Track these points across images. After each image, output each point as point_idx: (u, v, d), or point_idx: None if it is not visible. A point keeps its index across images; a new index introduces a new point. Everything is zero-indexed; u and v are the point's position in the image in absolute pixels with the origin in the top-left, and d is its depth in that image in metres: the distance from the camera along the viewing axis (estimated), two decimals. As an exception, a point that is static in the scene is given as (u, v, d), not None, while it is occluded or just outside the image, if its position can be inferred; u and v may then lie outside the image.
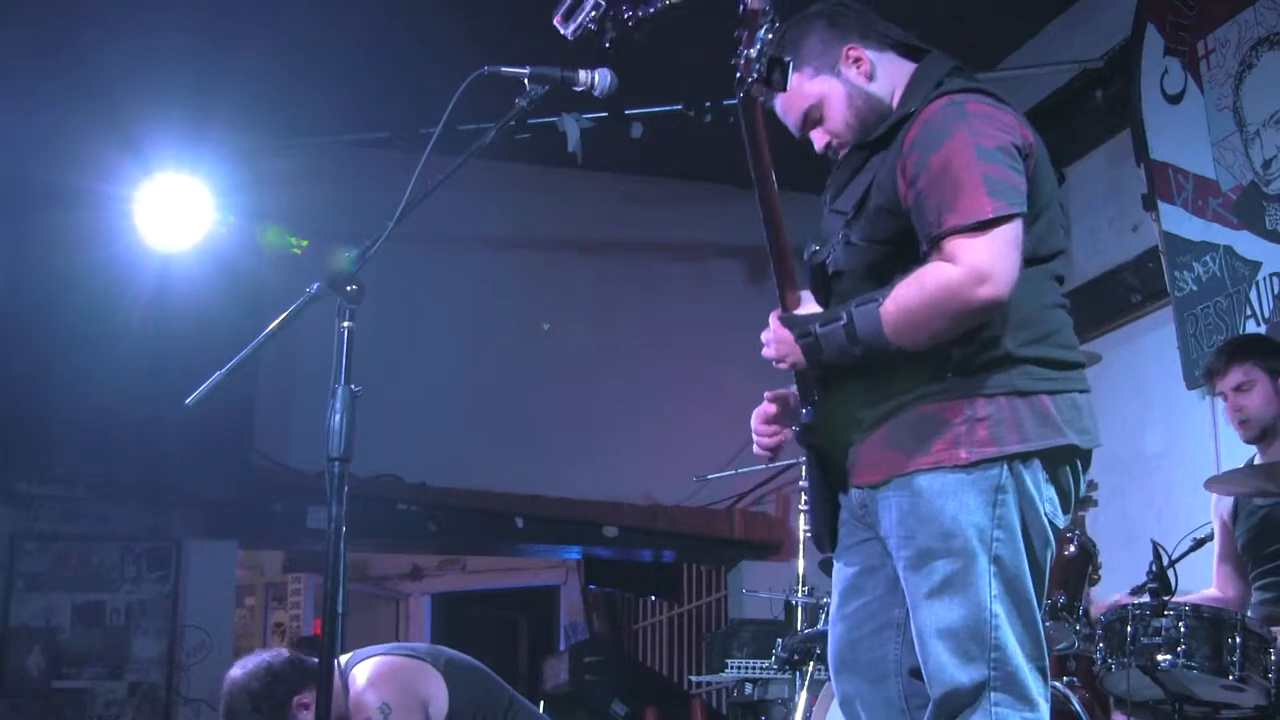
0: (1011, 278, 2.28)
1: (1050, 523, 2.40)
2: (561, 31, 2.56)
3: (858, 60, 2.53)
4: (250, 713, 3.49)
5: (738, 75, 2.36)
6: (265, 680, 3.50)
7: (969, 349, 2.36)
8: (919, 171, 2.34)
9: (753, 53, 2.33)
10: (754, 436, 2.68)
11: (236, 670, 3.56)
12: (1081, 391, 2.43)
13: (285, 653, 3.63)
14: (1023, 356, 2.37)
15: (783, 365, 2.49)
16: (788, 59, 2.37)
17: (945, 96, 2.40)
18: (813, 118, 2.57)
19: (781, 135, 2.48)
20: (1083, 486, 2.47)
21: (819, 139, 2.58)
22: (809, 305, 2.51)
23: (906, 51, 2.57)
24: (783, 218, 2.44)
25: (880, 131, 2.48)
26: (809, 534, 2.72)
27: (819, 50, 2.54)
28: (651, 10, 2.51)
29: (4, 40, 5.62)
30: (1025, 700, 2.32)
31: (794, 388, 2.59)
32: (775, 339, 2.48)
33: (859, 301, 2.36)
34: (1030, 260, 2.34)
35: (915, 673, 2.42)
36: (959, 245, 2.27)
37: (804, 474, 2.67)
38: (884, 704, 2.50)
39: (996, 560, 2.33)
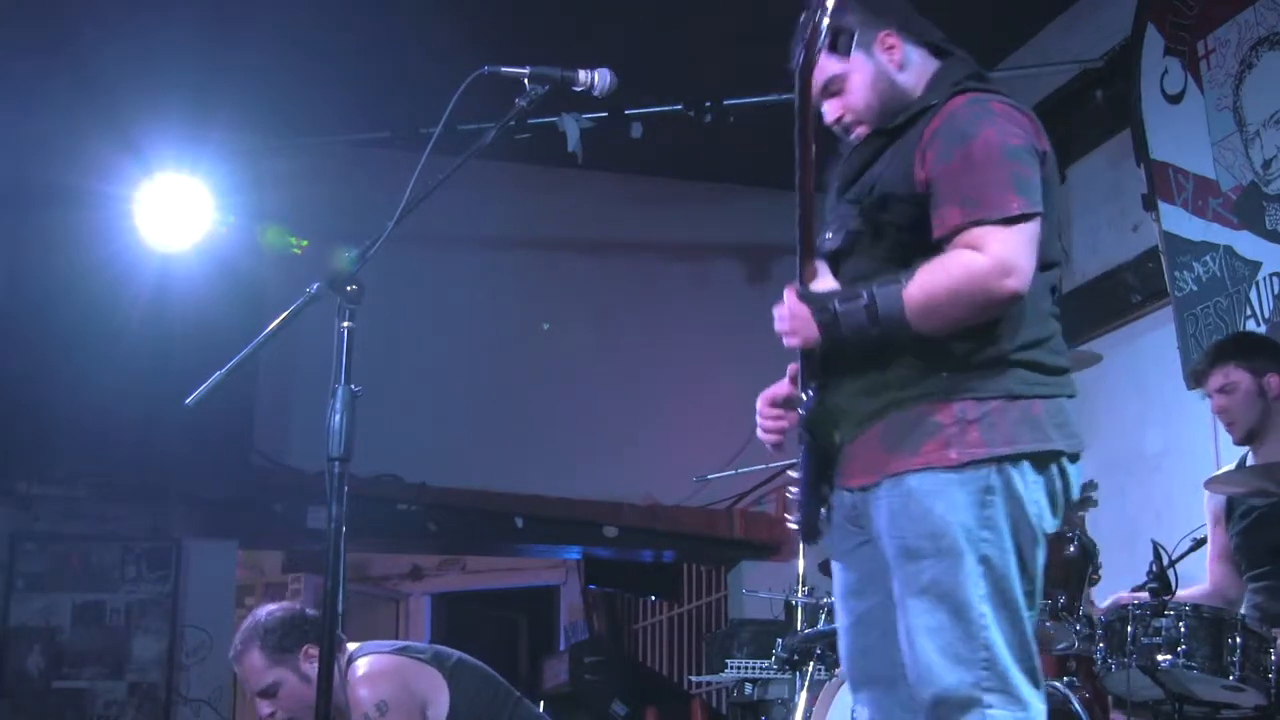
0: (1031, 273, 2.29)
1: (1038, 525, 2.39)
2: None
3: (891, 48, 2.54)
4: (258, 642, 3.60)
5: (803, 39, 2.36)
6: (281, 621, 3.62)
7: (968, 348, 2.36)
8: (942, 162, 2.34)
9: (820, 20, 2.33)
10: (758, 419, 2.62)
11: (260, 609, 3.70)
12: (1069, 397, 2.44)
13: (309, 610, 3.72)
14: (1018, 360, 2.38)
15: (794, 341, 2.44)
16: (854, 29, 2.35)
17: (968, 94, 2.41)
18: (831, 89, 2.56)
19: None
20: (1073, 490, 2.46)
21: (833, 109, 2.58)
22: (825, 280, 2.48)
23: (937, 53, 2.58)
24: (814, 190, 2.41)
25: (898, 121, 2.49)
26: (794, 524, 2.64)
27: (857, 27, 2.54)
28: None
29: (4, 40, 5.62)
30: (1017, 701, 2.30)
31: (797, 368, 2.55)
32: (790, 313, 2.42)
33: (880, 283, 2.35)
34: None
35: None
36: (987, 235, 2.27)
37: (799, 461, 2.61)
38: (899, 707, 2.47)
39: (984, 560, 2.32)
